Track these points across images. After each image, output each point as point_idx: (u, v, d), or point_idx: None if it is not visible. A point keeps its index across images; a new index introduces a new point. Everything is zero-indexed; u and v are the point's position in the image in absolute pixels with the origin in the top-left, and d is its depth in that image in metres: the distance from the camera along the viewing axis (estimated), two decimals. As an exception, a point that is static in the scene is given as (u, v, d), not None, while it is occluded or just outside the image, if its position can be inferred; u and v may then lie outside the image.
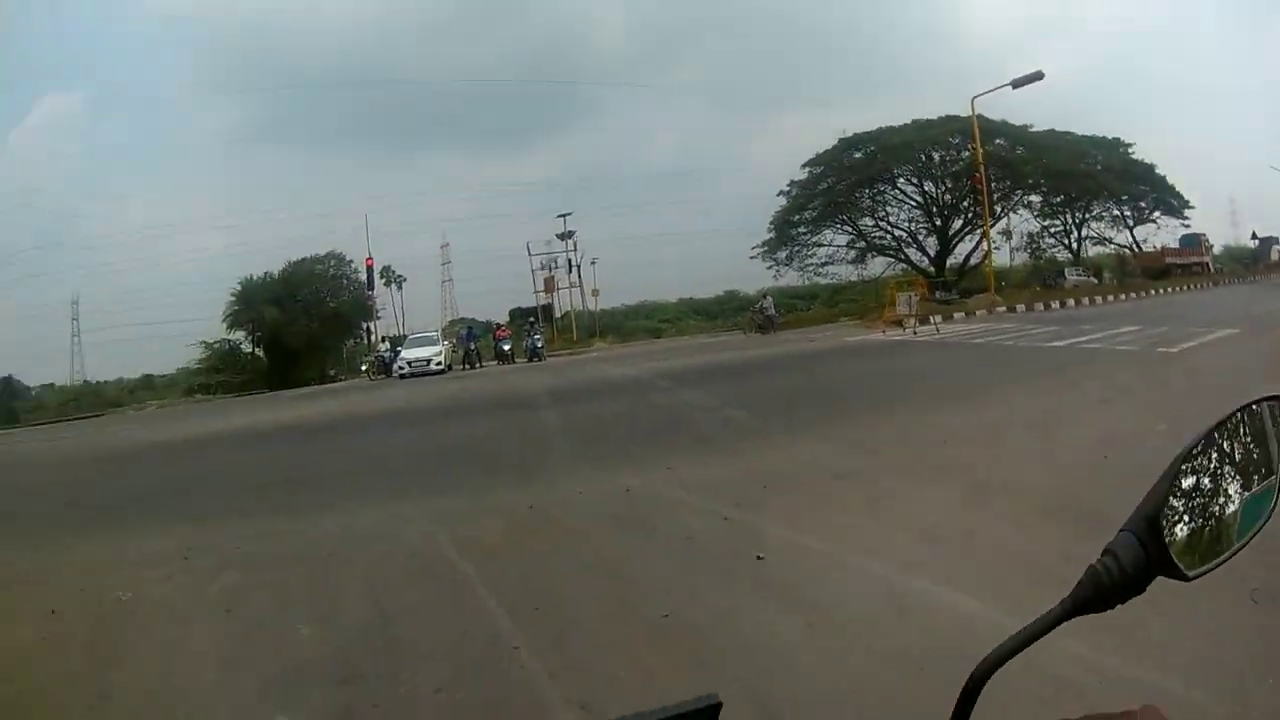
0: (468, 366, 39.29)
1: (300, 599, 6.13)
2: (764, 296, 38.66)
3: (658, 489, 8.46)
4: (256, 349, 49.38)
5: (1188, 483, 1.06)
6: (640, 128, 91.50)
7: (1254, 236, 67.99)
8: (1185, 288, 47.91)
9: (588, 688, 4.22)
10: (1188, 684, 3.79)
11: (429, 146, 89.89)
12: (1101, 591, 0.98)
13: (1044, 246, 57.30)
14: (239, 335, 49.85)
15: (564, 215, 55.48)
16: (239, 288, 49.84)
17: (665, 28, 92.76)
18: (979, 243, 52.15)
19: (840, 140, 53.85)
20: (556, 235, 55.96)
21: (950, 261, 54.91)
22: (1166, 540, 0.99)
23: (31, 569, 7.73)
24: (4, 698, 4.82)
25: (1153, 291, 43.01)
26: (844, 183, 53.63)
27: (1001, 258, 55.67)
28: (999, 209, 53.95)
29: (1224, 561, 1.06)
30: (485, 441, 13.44)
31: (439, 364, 36.84)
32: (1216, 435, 1.10)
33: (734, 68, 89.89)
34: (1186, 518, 1.04)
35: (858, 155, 53.78)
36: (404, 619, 5.49)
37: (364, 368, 44.87)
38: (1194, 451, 1.07)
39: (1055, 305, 37.69)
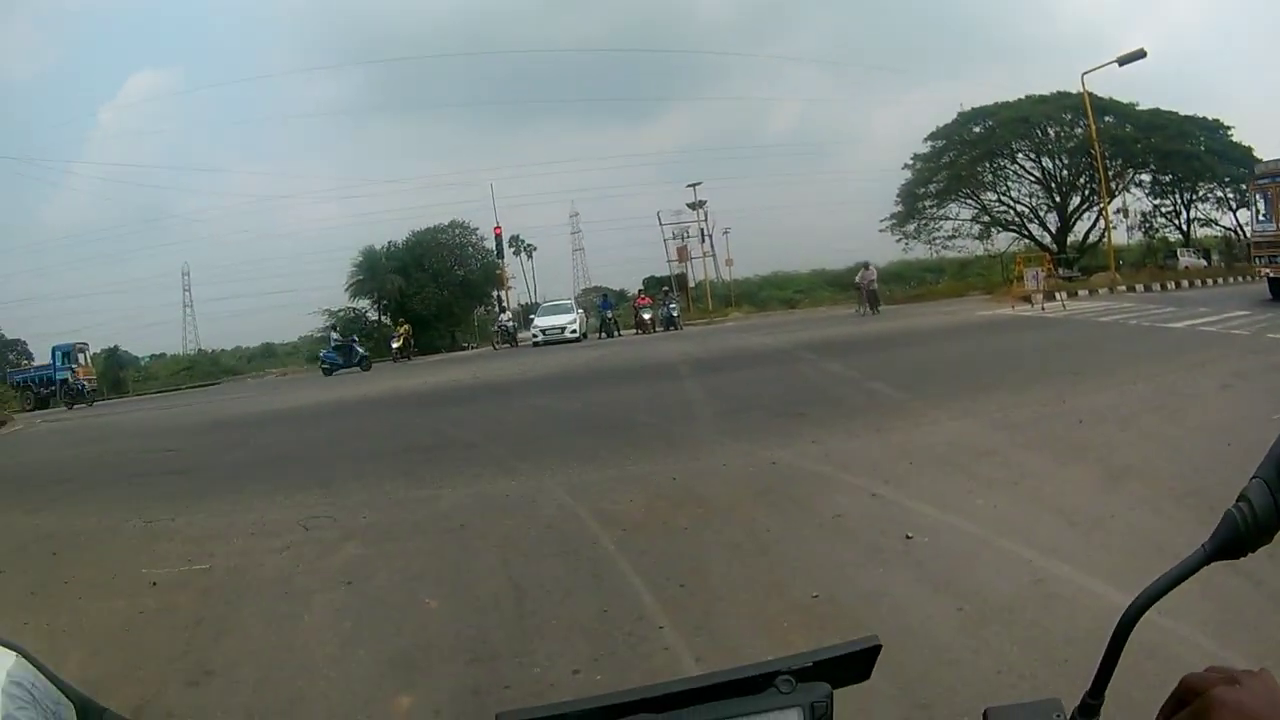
0: (604, 335, 39.28)
1: (429, 572, 6.05)
2: (865, 267, 36.42)
3: (803, 462, 8.33)
4: (383, 317, 49.04)
5: None
6: (762, 98, 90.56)
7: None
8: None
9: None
10: None
11: (550, 117, 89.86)
12: (1237, 537, 0.94)
13: (1157, 226, 55.22)
14: (364, 304, 49.96)
15: (694, 185, 54.27)
16: (360, 257, 49.91)
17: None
18: (1096, 220, 51.21)
19: (959, 114, 52.72)
20: (687, 204, 54.64)
21: (1070, 239, 53.64)
22: None
23: (138, 538, 7.66)
24: (100, 674, 4.69)
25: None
26: (965, 156, 52.61)
27: (1118, 236, 53.84)
28: (1114, 186, 52.26)
29: None
30: (625, 410, 13.23)
31: (574, 332, 36.76)
32: None
33: (848, 39, 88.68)
34: None
35: (976, 129, 52.71)
36: (540, 595, 5.38)
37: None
38: None
39: (1171, 285, 36.84)
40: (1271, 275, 26.08)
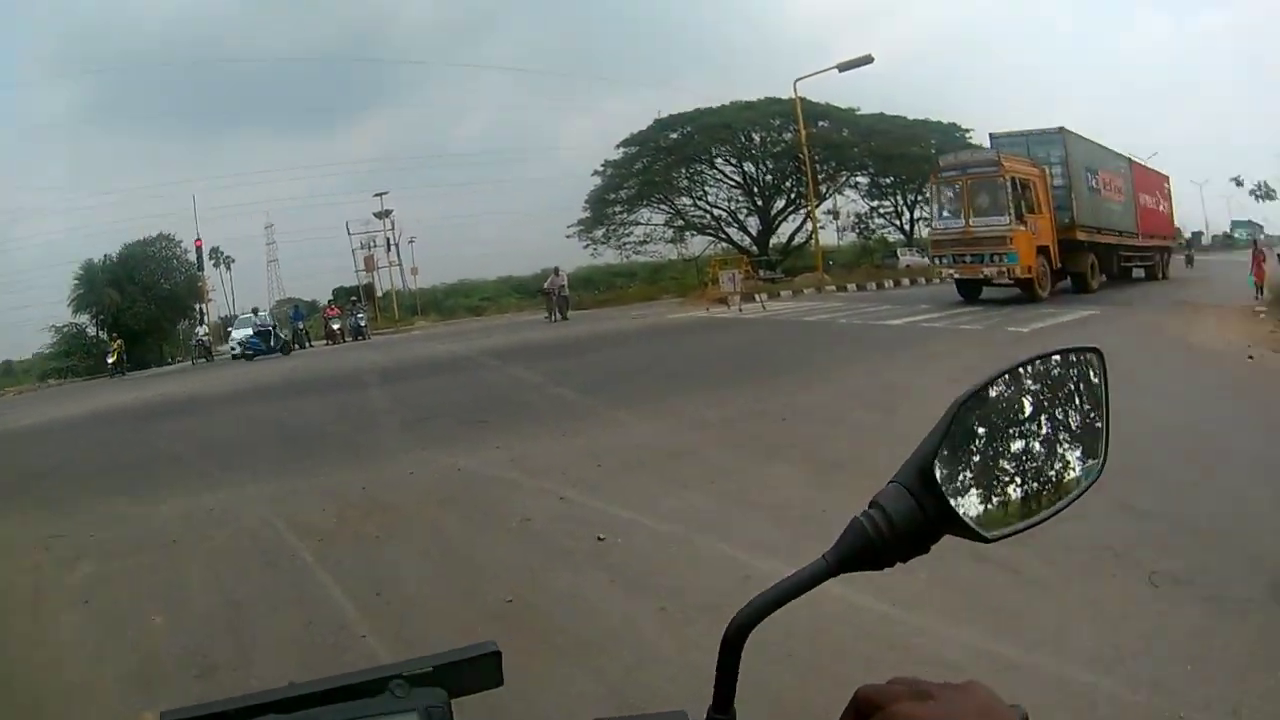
0: (297, 346, 38.62)
1: (154, 588, 6.03)
2: (555, 272, 37.20)
3: (489, 469, 8.52)
4: (101, 332, 46.89)
5: (977, 433, 0.98)
6: (456, 106, 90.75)
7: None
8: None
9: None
10: (1092, 672, 3.88)
11: (252, 126, 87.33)
12: (869, 546, 0.91)
13: (873, 227, 58.34)
14: (84, 319, 47.85)
15: (380, 194, 55.14)
16: (81, 271, 48.00)
17: (476, 4, 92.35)
18: (803, 222, 53.14)
19: (656, 121, 54.17)
20: (374, 214, 55.52)
21: (774, 241, 55.60)
22: (947, 493, 0.92)
23: None
24: None
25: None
26: (660, 163, 53.80)
27: (829, 238, 56.57)
28: (824, 189, 54.69)
29: (1033, 525, 0.98)
30: (316, 421, 13.28)
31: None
32: (1013, 381, 1.03)
33: (548, 47, 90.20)
34: (977, 472, 0.97)
35: (674, 136, 54.06)
36: (251, 608, 5.46)
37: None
38: (978, 397, 0.99)
39: (888, 285, 38.24)
40: (958, 276, 25.70)
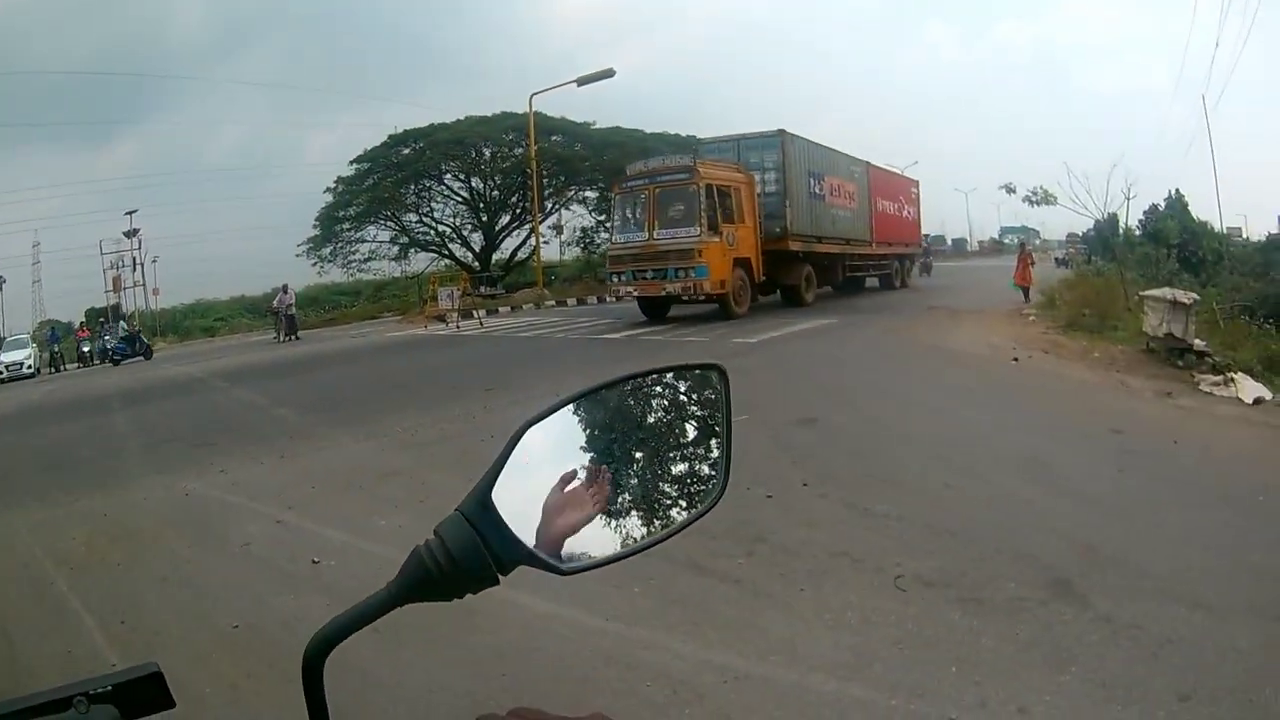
0: (53, 370, 37.93)
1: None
2: (283, 290, 36.93)
3: (213, 491, 8.79)
4: None
5: (564, 454, 0.99)
6: (208, 123, 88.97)
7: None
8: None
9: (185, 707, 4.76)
10: (836, 678, 3.98)
11: (23, 142, 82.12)
12: (428, 578, 0.91)
13: (598, 241, 57.51)
14: None
15: (130, 212, 54.07)
16: None
17: (236, 19, 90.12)
18: (527, 238, 53.62)
19: (390, 136, 53.87)
20: (123, 233, 54.42)
21: (496, 257, 56.07)
22: (511, 523, 0.92)
23: None
24: None
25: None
26: (390, 179, 53.43)
27: (553, 252, 57.57)
28: (550, 204, 55.46)
29: (619, 558, 1.00)
30: (67, 446, 13.31)
31: (30, 367, 36.11)
32: (616, 399, 1.04)
33: (306, 63, 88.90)
34: (553, 499, 0.96)
35: (405, 151, 53.87)
36: (21, 636, 5.64)
37: None
38: (550, 419, 1.01)
39: (610, 300, 36.48)
40: (637, 294, 24.24)
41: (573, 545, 0.96)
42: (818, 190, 27.50)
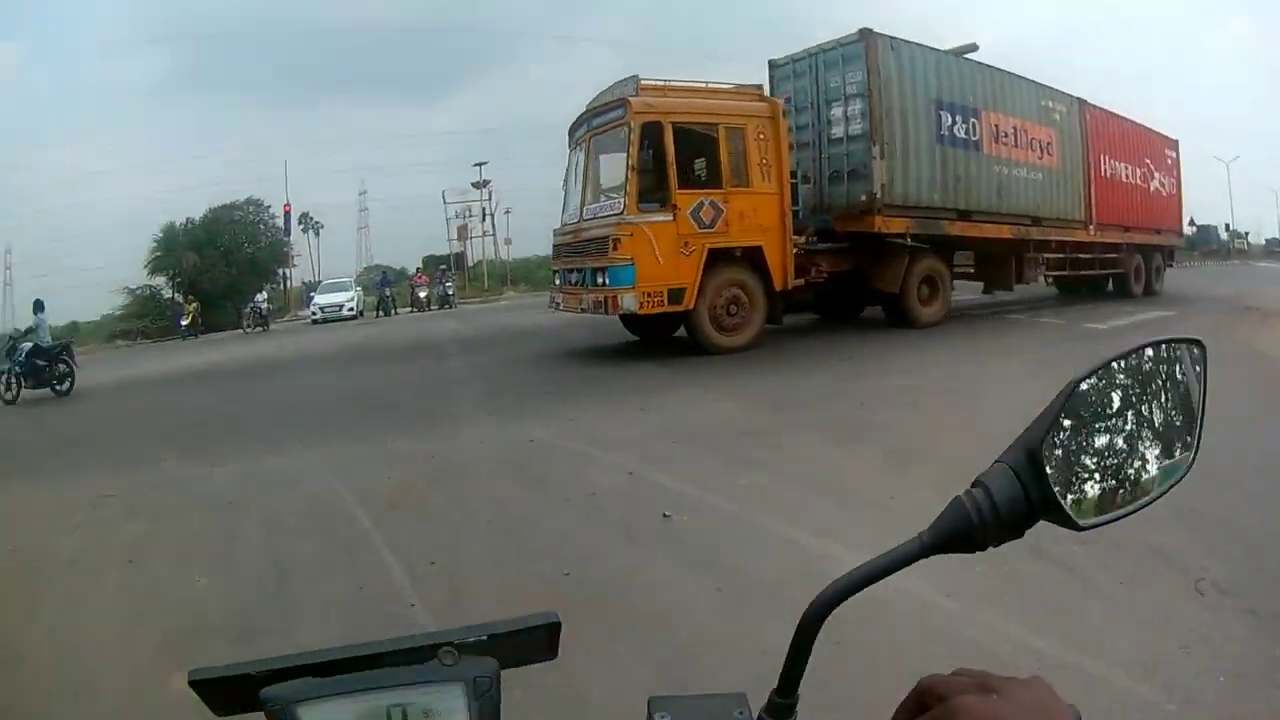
0: (382, 313, 39.46)
1: (200, 550, 5.99)
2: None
3: (561, 440, 8.41)
4: (176, 295, 47.91)
5: (1082, 419, 0.90)
6: (556, 80, 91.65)
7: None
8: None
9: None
10: (1130, 676, 3.78)
11: (348, 94, 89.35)
12: (968, 529, 0.85)
13: None
14: (160, 281, 49.11)
15: (480, 164, 55.20)
16: (161, 234, 49.26)
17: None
18: None
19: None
20: (472, 184, 55.82)
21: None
22: (1051, 479, 0.85)
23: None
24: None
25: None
26: None
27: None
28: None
29: (1124, 516, 0.91)
30: (391, 388, 13.28)
31: (351, 309, 37.71)
32: (1118, 370, 0.94)
33: (648, 22, 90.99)
34: (1079, 458, 0.89)
35: None
36: (300, 573, 5.39)
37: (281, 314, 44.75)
38: (1089, 382, 0.91)
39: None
40: (561, 306, 15.10)
41: (1085, 501, 0.89)
42: (961, 132, 16.81)
